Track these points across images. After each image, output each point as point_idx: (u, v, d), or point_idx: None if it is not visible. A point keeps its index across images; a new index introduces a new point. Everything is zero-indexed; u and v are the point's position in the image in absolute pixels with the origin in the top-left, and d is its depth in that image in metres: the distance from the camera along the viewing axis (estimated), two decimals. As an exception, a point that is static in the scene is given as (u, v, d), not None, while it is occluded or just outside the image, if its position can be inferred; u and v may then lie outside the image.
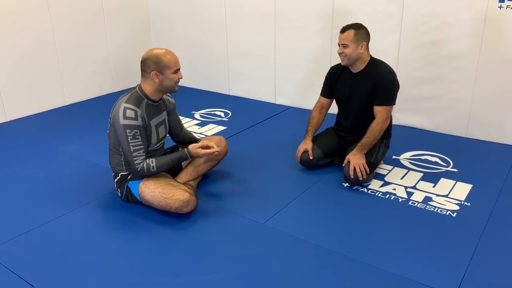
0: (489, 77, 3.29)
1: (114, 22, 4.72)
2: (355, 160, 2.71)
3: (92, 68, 4.65)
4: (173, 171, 2.68)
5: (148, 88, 2.45)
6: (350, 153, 2.77)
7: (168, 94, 2.63)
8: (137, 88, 2.47)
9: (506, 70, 3.21)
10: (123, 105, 2.37)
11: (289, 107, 4.34)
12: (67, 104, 4.49)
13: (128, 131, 2.35)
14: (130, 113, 2.35)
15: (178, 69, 2.45)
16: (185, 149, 2.54)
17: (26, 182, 2.90)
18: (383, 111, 2.75)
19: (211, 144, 2.57)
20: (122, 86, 4.90)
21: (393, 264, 2.06)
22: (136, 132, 2.37)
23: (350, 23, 2.80)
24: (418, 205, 2.55)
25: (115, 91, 4.87)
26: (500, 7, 3.09)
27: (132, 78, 4.87)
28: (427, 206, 2.54)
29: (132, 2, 4.88)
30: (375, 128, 2.75)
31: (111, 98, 4.58)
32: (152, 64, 2.38)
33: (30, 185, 2.87)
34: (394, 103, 2.79)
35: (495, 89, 3.30)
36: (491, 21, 3.15)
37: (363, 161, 2.71)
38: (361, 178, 2.69)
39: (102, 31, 4.64)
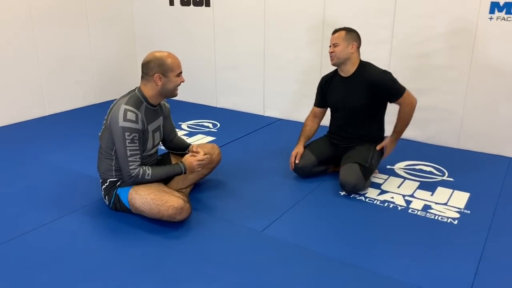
0: (480, 88, 3.31)
1: (98, 32, 4.60)
2: (392, 148, 2.85)
3: (75, 78, 4.50)
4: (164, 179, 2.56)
5: (149, 92, 2.36)
6: (388, 139, 2.84)
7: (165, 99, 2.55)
8: (136, 90, 2.38)
9: (496, 81, 3.23)
10: (124, 106, 2.26)
11: (278, 119, 4.27)
12: (47, 114, 4.31)
13: (127, 134, 2.24)
14: (131, 116, 2.25)
15: (181, 72, 2.39)
16: (180, 162, 2.45)
17: (7, 191, 2.73)
18: (401, 100, 2.72)
19: (198, 149, 2.53)
20: (106, 97, 4.75)
21: (399, 271, 1.98)
22: (135, 136, 2.27)
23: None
24: (418, 213, 2.49)
25: (98, 102, 4.72)
26: (491, 18, 3.13)
27: (116, 89, 4.75)
28: (427, 214, 2.48)
29: (118, 12, 4.79)
30: (403, 117, 2.75)
31: (94, 109, 4.48)
32: (155, 67, 2.31)
33: (11, 193, 2.70)
34: (404, 89, 2.72)
35: (486, 100, 3.31)
36: (482, 32, 3.19)
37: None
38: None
39: (86, 41, 4.52)
